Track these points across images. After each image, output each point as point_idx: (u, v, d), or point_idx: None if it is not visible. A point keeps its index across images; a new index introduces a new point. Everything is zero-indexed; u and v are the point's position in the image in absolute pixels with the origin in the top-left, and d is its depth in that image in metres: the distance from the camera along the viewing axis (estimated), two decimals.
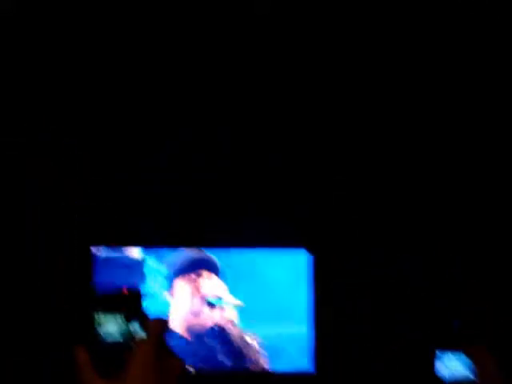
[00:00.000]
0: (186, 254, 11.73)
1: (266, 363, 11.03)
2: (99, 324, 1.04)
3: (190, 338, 10.82)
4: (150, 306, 8.78)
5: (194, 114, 8.57)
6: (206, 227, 10.22)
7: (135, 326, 1.06)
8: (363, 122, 9.81)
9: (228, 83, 9.00)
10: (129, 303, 1.07)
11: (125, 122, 8.55)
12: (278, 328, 10.11)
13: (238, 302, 11.36)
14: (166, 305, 11.13)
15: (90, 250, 10.69)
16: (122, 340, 1.05)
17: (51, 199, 9.36)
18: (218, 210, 9.69)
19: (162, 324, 1.08)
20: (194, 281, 10.87)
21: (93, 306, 1.06)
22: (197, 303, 11.11)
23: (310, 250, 10.51)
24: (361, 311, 10.55)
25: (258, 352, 10.29)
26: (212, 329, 10.96)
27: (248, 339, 10.95)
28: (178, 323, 11.33)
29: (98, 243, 10.56)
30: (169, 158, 9.35)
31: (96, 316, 1.05)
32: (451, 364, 7.53)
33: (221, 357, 10.26)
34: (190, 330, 11.06)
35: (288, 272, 10.32)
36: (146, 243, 10.67)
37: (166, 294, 11.15)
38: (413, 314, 10.64)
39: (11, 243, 9.70)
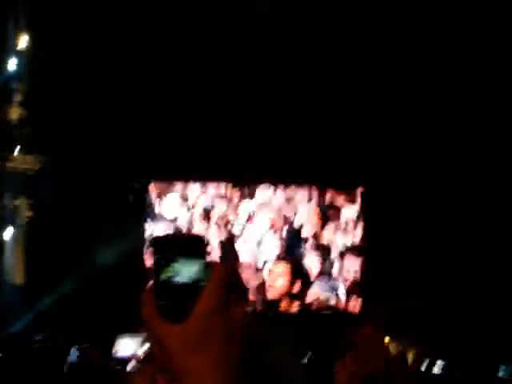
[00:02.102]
0: None
1: None
2: (176, 267, 1.06)
3: None
4: None
5: None
6: (261, 165, 10.24)
7: (207, 272, 1.07)
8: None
9: None
10: (199, 248, 1.08)
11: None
12: None
13: None
14: None
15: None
16: (193, 283, 1.06)
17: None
18: (280, 147, 9.82)
19: (225, 271, 1.09)
20: None
21: (172, 251, 1.07)
22: None
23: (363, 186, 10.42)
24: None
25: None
26: None
27: None
28: None
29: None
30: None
31: (175, 259, 1.06)
32: None
33: None
34: None
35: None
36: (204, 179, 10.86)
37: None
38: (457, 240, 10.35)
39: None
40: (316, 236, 11.12)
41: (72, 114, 10.05)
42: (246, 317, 1.09)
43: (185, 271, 1.04)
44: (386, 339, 9.28)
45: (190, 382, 1.05)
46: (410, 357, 9.20)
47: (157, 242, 1.05)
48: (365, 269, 10.97)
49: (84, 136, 10.32)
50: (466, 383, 8.11)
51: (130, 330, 8.90)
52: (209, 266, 1.08)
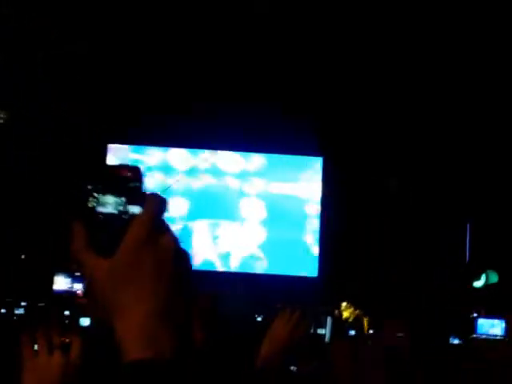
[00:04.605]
0: None
1: None
2: (100, 202, 1.03)
3: None
4: None
5: None
6: (223, 133, 10.20)
7: (135, 209, 1.04)
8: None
9: None
10: (130, 184, 1.05)
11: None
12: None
13: None
14: None
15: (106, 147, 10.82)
16: (120, 217, 1.04)
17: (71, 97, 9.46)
18: (242, 118, 9.68)
19: (158, 200, 1.06)
20: None
21: (95, 185, 1.04)
22: None
23: (325, 158, 10.37)
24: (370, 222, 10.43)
25: None
26: None
27: None
28: None
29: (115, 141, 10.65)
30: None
31: (97, 195, 1.03)
32: None
33: None
34: None
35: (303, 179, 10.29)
36: (159, 143, 10.75)
37: None
38: (418, 225, 10.50)
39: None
40: None
41: None
42: (177, 246, 1.05)
43: (109, 202, 1.04)
44: (343, 305, 9.58)
45: (118, 315, 1.02)
46: (365, 323, 9.42)
47: (84, 173, 1.03)
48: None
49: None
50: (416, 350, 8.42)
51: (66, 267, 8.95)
52: (141, 196, 1.06)
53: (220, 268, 10.61)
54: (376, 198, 10.91)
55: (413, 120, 10.23)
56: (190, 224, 10.70)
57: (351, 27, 8.63)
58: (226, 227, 10.76)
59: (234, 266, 10.66)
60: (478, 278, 10.25)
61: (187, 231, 10.40)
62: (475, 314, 9.51)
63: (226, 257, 10.70)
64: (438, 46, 8.75)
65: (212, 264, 10.58)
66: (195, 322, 1.11)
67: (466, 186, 10.52)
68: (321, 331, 6.61)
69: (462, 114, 9.93)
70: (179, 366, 1.02)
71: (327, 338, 6.25)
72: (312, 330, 6.11)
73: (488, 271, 10.19)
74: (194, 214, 10.78)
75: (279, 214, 10.91)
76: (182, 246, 1.07)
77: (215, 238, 10.69)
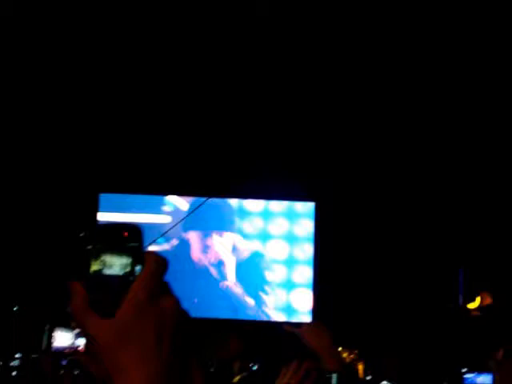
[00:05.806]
0: None
1: None
2: (106, 264, 1.04)
3: None
4: None
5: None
6: (219, 178, 10.06)
7: (139, 269, 1.04)
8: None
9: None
10: (131, 243, 1.05)
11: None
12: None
13: None
14: None
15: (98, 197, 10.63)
16: (124, 276, 1.04)
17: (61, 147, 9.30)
18: (234, 162, 9.56)
19: (159, 261, 1.06)
20: None
21: (99, 246, 1.04)
22: None
23: (316, 201, 10.28)
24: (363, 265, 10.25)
25: None
26: None
27: None
28: None
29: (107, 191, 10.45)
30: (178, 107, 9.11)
31: (102, 256, 1.03)
32: None
33: None
34: None
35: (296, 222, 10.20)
36: (153, 191, 10.62)
37: None
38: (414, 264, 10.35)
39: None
40: None
41: None
42: (178, 308, 1.06)
43: (115, 263, 1.04)
44: (339, 348, 9.47)
45: (119, 376, 1.02)
46: (360, 368, 9.32)
47: (87, 232, 1.02)
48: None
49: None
50: None
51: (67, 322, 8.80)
52: (141, 256, 1.05)
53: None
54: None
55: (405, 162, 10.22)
56: None
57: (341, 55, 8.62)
58: None
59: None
60: (473, 301, 10.23)
61: None
62: (464, 370, 9.31)
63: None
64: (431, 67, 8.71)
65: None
66: (195, 373, 1.13)
67: (456, 228, 10.53)
68: None
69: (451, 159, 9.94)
70: None
71: None
72: None
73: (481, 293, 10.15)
74: None
75: None
76: (183, 306, 1.07)
77: None
